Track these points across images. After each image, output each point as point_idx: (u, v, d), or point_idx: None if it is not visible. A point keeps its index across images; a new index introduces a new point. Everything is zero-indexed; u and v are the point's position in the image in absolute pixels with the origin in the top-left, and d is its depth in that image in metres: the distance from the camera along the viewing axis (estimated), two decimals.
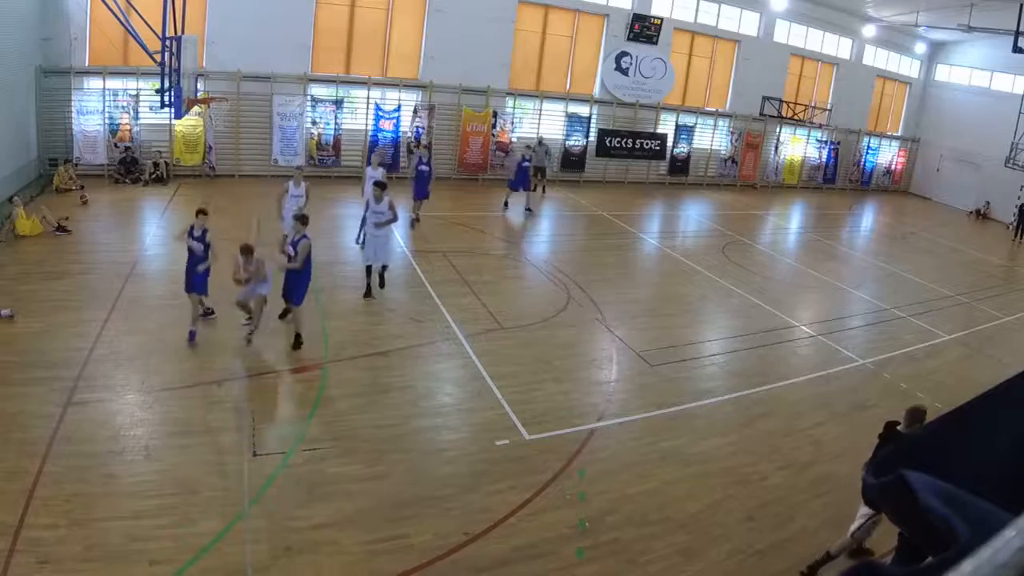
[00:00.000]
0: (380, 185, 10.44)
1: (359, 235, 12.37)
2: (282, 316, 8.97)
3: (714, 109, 24.34)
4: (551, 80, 21.45)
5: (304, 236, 8.40)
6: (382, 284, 10.59)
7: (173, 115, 12.60)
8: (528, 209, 17.03)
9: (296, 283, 8.43)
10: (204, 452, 6.29)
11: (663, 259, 15.55)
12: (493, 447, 6.93)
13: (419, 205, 14.45)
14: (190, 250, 8.31)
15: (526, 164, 16.88)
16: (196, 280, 8.31)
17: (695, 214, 20.80)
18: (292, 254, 8.37)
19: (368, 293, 10.36)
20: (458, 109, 19.61)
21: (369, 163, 13.87)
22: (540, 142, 19.67)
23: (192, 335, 8.27)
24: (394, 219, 10.40)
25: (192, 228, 8.33)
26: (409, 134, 19.10)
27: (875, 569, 0.94)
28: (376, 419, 7.20)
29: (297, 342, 8.45)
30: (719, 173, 24.73)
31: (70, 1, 14.93)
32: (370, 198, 10.45)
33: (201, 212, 8.38)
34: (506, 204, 17.20)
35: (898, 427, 5.73)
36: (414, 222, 14.35)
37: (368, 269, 10.55)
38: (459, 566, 5.31)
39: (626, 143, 22.47)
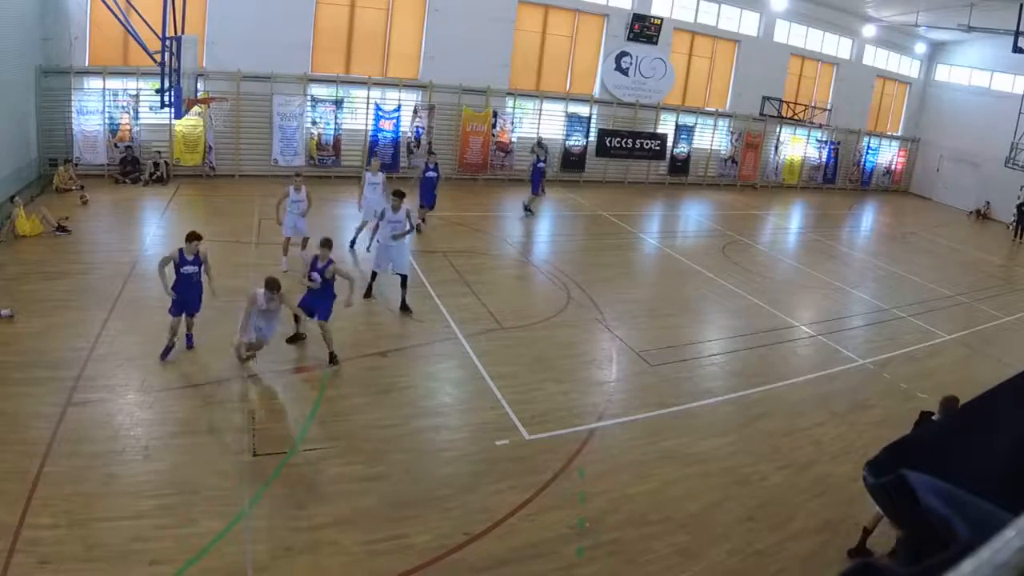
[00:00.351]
0: (399, 194, 10.25)
1: (370, 242, 11.96)
2: (291, 340, 8.57)
3: (714, 109, 24.34)
4: (551, 80, 21.45)
5: (330, 261, 8.24)
6: (407, 309, 10.00)
7: (173, 115, 12.60)
8: (528, 209, 17.01)
9: (323, 300, 8.25)
10: (204, 452, 6.29)
11: (663, 259, 15.55)
12: (493, 447, 6.93)
13: (424, 212, 14.17)
14: (184, 276, 7.84)
15: (541, 165, 16.75)
16: (192, 301, 7.98)
17: (695, 214, 20.80)
18: (317, 280, 8.17)
19: (368, 294, 10.34)
20: (458, 109, 19.61)
21: (368, 166, 13.78)
22: (539, 142, 19.68)
23: (189, 338, 8.21)
24: (411, 229, 10.31)
25: (182, 253, 7.81)
26: (409, 134, 19.10)
27: (875, 569, 0.94)
28: (376, 419, 7.21)
29: (333, 360, 8.21)
30: (719, 173, 24.73)
31: (70, 1, 14.93)
32: (387, 208, 10.20)
33: (194, 237, 7.90)
34: (527, 209, 16.89)
35: (933, 417, 5.75)
36: (418, 228, 14.18)
37: (374, 274, 10.38)
38: (459, 566, 5.31)
39: (626, 143, 22.47)
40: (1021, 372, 1.11)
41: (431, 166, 14.23)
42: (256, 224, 13.53)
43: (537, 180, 16.64)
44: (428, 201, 14.19)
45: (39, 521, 5.14)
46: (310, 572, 5.09)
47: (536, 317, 10.41)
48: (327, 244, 8.37)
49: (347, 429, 6.96)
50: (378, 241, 10.44)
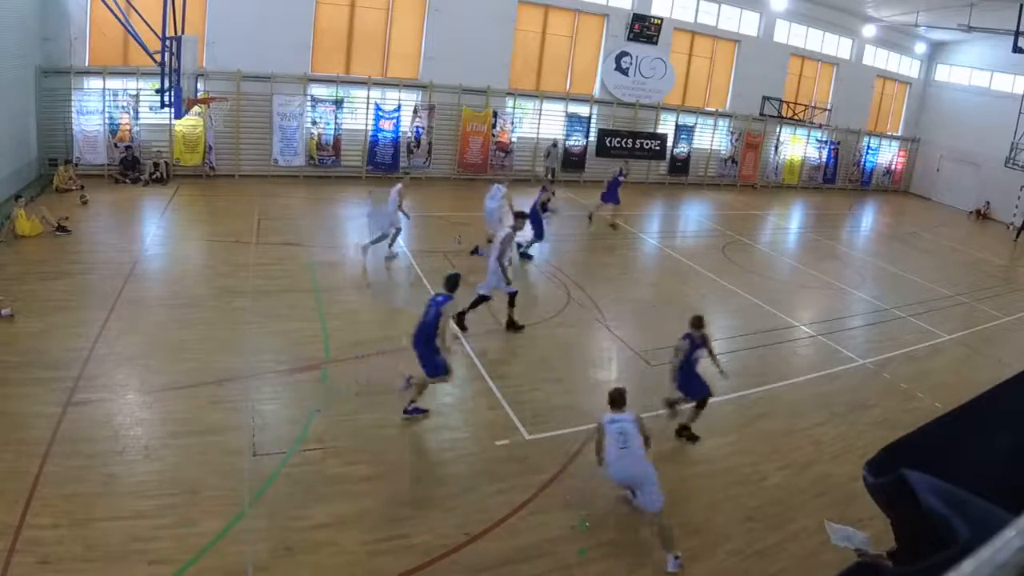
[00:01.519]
0: (522, 216, 10.25)
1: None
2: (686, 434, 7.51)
3: (714, 109, 24.34)
4: (551, 80, 21.45)
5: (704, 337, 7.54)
6: (464, 321, 9.57)
7: (173, 115, 12.60)
8: (590, 216, 16.56)
9: (696, 377, 7.44)
10: (204, 452, 6.28)
11: (663, 259, 15.54)
12: (493, 447, 6.92)
13: (530, 244, 13.46)
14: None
15: (621, 179, 16.21)
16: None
17: (695, 214, 20.80)
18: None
19: (511, 324, 9.81)
20: (458, 109, 19.61)
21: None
22: (555, 144, 19.57)
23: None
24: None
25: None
26: (409, 134, 19.11)
27: (874, 569, 0.94)
28: (376, 419, 7.20)
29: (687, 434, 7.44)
30: (719, 173, 24.74)
31: (70, 1, 14.93)
32: (508, 231, 9.82)
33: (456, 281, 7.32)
34: (590, 217, 16.60)
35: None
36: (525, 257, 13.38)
37: (512, 297, 9.72)
38: (459, 566, 5.31)
39: (626, 143, 22.47)
40: (1020, 372, 1.11)
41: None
42: (256, 224, 13.53)
43: (613, 191, 16.09)
44: (538, 235, 13.45)
45: (39, 521, 5.14)
46: (310, 572, 5.08)
47: (536, 317, 10.40)
48: (701, 324, 7.48)
49: (347, 429, 6.95)
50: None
